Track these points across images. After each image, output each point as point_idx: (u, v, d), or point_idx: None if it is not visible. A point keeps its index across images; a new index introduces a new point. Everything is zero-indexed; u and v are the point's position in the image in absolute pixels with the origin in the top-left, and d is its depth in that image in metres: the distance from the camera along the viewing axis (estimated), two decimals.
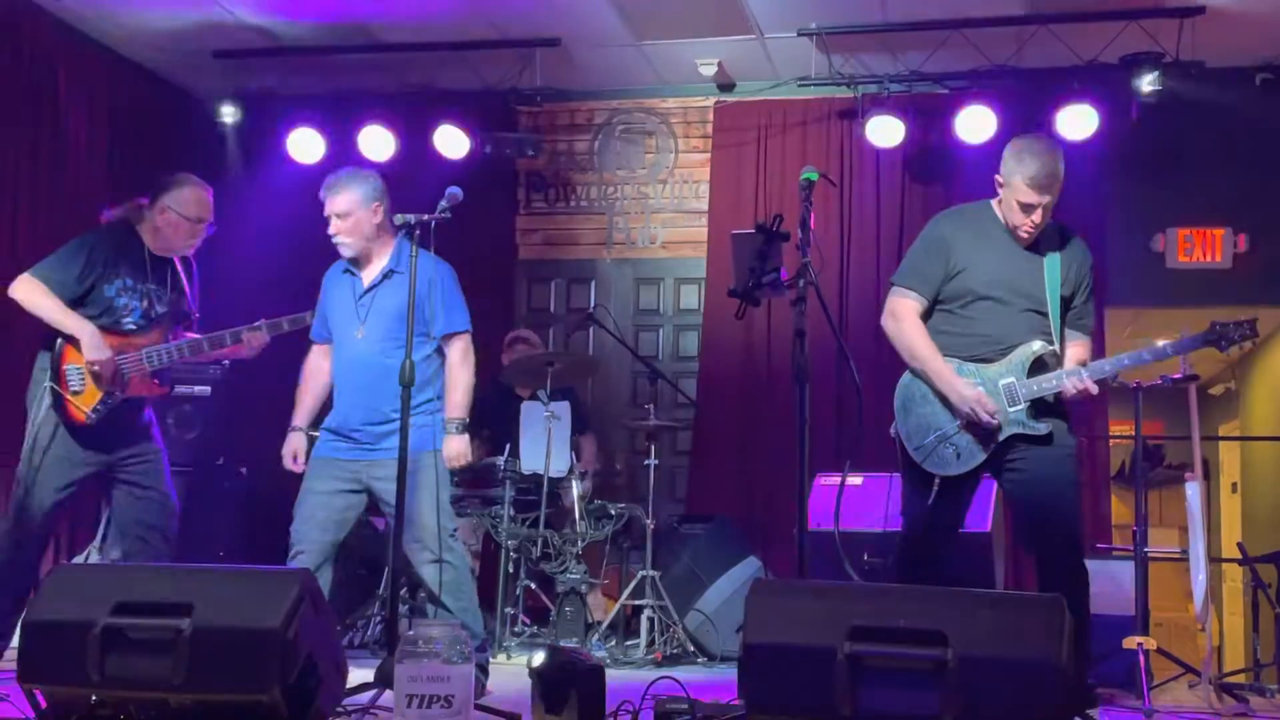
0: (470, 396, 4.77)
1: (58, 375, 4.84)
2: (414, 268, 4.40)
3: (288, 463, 4.79)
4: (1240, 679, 5.69)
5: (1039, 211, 4.28)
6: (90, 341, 4.82)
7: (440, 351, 4.78)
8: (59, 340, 4.85)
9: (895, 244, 7.24)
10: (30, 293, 4.83)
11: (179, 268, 5.16)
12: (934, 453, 4.31)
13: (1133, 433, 5.35)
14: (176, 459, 6.49)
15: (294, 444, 4.79)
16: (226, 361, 6.58)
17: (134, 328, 4.97)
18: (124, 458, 4.97)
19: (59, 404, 4.82)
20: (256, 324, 5.03)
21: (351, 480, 4.65)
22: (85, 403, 4.84)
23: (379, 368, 4.58)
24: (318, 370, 4.89)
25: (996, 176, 4.39)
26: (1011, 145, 4.40)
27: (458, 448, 4.69)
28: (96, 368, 4.81)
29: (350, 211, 4.67)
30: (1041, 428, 4.26)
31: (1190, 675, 5.32)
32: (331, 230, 4.72)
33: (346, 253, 4.75)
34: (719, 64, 7.54)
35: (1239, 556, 6.03)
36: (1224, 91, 7.02)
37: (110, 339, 4.88)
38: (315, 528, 4.59)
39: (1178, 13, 6.53)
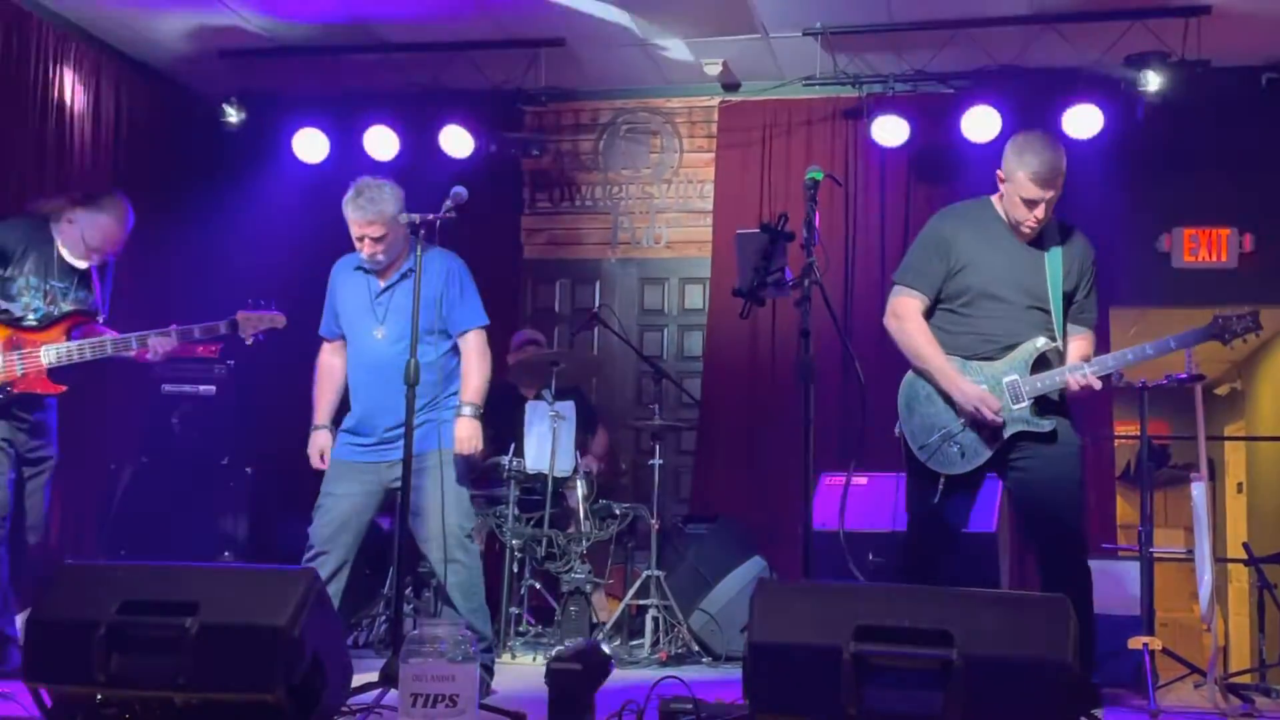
0: (486, 387, 4.77)
1: None
2: (419, 266, 4.40)
3: (315, 461, 4.77)
4: (1246, 679, 5.67)
5: (1042, 207, 4.27)
6: None
7: (457, 348, 4.78)
8: None
9: (900, 244, 7.22)
10: None
11: (92, 269, 5.14)
12: (939, 451, 4.30)
13: (1138, 433, 5.34)
14: (182, 458, 6.55)
15: (320, 442, 4.78)
16: (231, 361, 6.59)
17: (34, 324, 4.96)
18: (29, 449, 4.98)
19: None
20: (167, 330, 5.04)
21: (371, 481, 4.65)
22: None
23: (400, 367, 4.56)
24: (331, 367, 4.89)
25: (998, 172, 4.38)
26: (1013, 141, 4.40)
27: (467, 430, 4.66)
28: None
29: (387, 232, 4.64)
30: (1046, 424, 4.25)
31: (1195, 675, 5.31)
32: (366, 251, 4.67)
33: (380, 264, 4.73)
34: (724, 64, 7.54)
35: (1244, 557, 6.01)
36: (1230, 91, 7.01)
37: (5, 333, 4.88)
38: (336, 530, 4.60)
39: (1183, 12, 6.52)
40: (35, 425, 5.00)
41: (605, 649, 3.83)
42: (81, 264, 5.09)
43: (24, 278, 4.94)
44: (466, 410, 4.67)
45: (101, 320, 5.18)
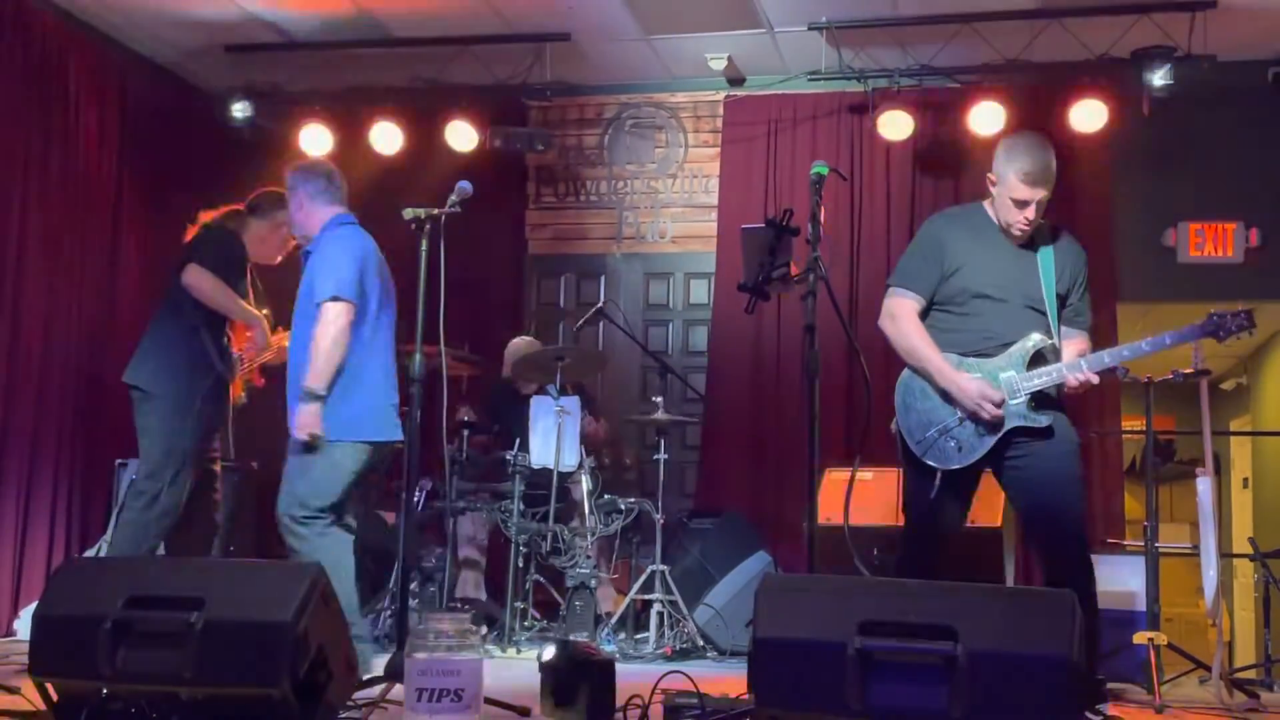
0: (327, 368, 4.55)
1: (229, 361, 5.19)
2: (425, 263, 4.41)
3: None
4: (1251, 674, 5.68)
5: (1032, 208, 4.29)
6: (263, 331, 5.21)
7: None
8: (220, 325, 5.19)
9: (905, 239, 7.20)
10: (213, 284, 5.11)
11: None
12: (935, 446, 4.29)
13: (1144, 428, 5.34)
14: None
15: None
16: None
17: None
18: (213, 448, 5.33)
19: (225, 389, 5.17)
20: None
21: None
22: (239, 387, 5.20)
23: (296, 348, 4.69)
24: None
25: (989, 175, 4.39)
26: (1002, 143, 4.44)
27: (301, 419, 4.54)
28: (270, 354, 5.20)
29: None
30: (1043, 419, 4.25)
31: (1201, 671, 5.31)
32: None
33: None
34: (729, 58, 7.53)
35: (1250, 552, 6.01)
36: (1235, 85, 7.00)
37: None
38: None
39: (1189, 6, 6.52)
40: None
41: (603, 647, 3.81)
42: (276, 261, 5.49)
43: (245, 280, 5.28)
44: (303, 397, 4.52)
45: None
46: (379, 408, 4.70)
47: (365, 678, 3.89)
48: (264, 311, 5.36)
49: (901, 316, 4.41)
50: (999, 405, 4.22)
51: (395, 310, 4.86)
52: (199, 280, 5.09)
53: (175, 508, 5.03)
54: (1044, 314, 4.34)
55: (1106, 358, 4.31)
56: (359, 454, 4.62)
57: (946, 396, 4.29)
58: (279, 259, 5.48)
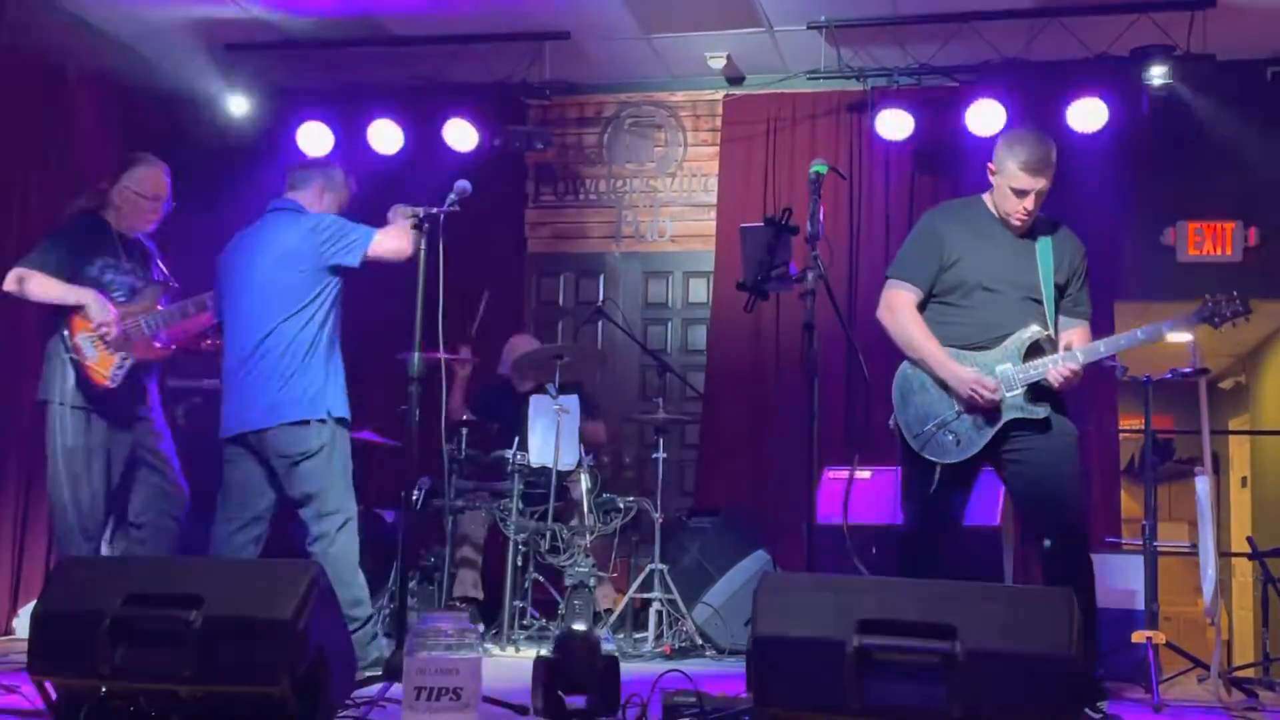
0: None
1: (72, 347, 5.00)
2: (424, 263, 4.41)
3: None
4: (1250, 673, 5.68)
5: (1031, 197, 4.30)
6: (97, 304, 5.01)
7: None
8: (64, 314, 5.02)
9: (904, 237, 7.18)
10: (25, 281, 4.99)
11: (148, 245, 5.37)
12: (933, 440, 4.30)
13: (1143, 427, 5.34)
14: (187, 452, 6.54)
15: None
16: None
17: (124, 299, 5.16)
18: (142, 435, 5.21)
19: (80, 375, 4.99)
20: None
21: None
22: (104, 367, 5.01)
23: None
24: None
25: (989, 165, 4.42)
26: (1004, 135, 4.49)
27: None
28: (105, 329, 4.99)
29: None
30: (1039, 411, 4.25)
31: (1199, 669, 5.31)
32: None
33: None
34: (728, 57, 7.53)
35: (1248, 551, 6.02)
36: (1234, 84, 6.99)
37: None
38: None
39: (1188, 5, 6.51)
40: (140, 404, 5.23)
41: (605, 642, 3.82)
42: (149, 227, 5.34)
43: (101, 259, 5.14)
44: None
45: (176, 290, 5.42)
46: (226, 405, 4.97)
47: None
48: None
49: (899, 308, 4.43)
50: (995, 391, 4.22)
51: (249, 294, 4.87)
52: (9, 284, 5.01)
53: (94, 513, 5.01)
54: (1041, 304, 4.35)
55: (1103, 347, 4.33)
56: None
57: (944, 389, 4.30)
58: (153, 222, 5.35)
